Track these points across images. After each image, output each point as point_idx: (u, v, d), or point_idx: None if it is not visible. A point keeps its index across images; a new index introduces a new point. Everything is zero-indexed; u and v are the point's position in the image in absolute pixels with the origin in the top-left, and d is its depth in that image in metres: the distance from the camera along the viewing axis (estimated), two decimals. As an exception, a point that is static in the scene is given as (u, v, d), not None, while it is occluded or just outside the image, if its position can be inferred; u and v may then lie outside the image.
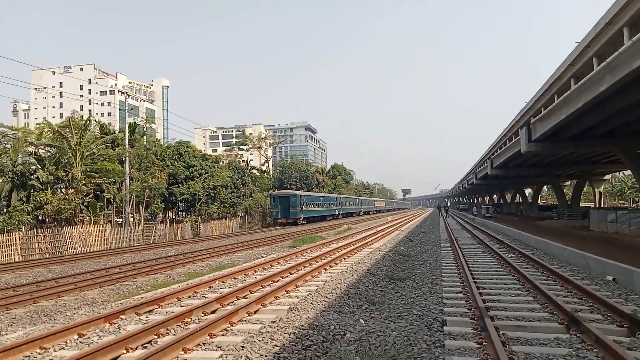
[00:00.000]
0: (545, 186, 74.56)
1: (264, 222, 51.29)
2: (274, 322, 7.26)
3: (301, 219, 48.02)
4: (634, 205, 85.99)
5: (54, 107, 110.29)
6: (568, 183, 70.80)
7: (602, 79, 15.92)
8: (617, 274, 10.75)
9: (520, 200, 75.38)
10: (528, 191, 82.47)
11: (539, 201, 79.68)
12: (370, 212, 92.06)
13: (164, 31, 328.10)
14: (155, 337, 6.72)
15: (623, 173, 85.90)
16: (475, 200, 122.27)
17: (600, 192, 63.26)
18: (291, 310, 8.09)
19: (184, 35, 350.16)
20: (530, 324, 7.15)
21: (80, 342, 6.69)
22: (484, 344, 6.21)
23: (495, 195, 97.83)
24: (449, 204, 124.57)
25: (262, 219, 51.55)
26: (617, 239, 21.45)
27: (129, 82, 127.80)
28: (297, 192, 50.36)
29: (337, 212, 63.45)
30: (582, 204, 60.50)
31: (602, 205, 61.63)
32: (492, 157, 46.80)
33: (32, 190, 28.09)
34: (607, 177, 62.98)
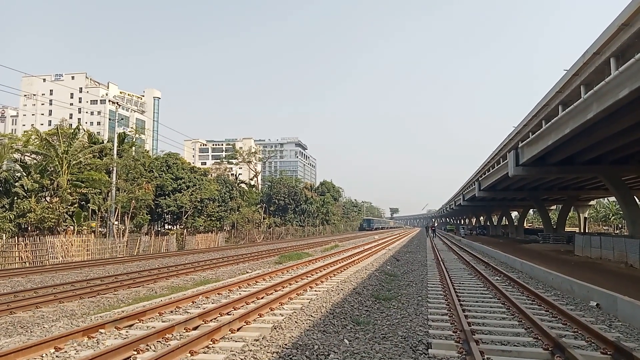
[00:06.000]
0: (531, 210, 75.28)
1: (249, 239, 51.00)
2: (257, 340, 7.15)
3: (373, 229, 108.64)
4: (617, 231, 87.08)
5: (43, 114, 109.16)
6: (554, 207, 71.65)
7: (589, 107, 16.27)
8: (601, 299, 10.80)
9: (507, 223, 75.98)
10: (514, 214, 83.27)
11: (525, 224, 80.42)
12: (387, 228, 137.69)
13: (158, 42, 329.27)
14: (135, 353, 6.56)
15: (608, 199, 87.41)
16: (462, 221, 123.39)
17: (585, 217, 64.15)
18: (275, 328, 7.97)
19: (177, 47, 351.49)
20: (515, 349, 7.14)
21: (57, 357, 6.51)
22: (468, 368, 6.17)
23: (482, 217, 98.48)
24: (436, 224, 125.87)
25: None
26: (601, 264, 21.61)
27: (120, 92, 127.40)
28: (372, 218, 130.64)
29: (380, 227, 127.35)
30: (567, 229, 61.13)
31: (586, 231, 62.36)
32: (480, 179, 47.33)
33: (15, 198, 27.59)
34: (592, 202, 63.97)
